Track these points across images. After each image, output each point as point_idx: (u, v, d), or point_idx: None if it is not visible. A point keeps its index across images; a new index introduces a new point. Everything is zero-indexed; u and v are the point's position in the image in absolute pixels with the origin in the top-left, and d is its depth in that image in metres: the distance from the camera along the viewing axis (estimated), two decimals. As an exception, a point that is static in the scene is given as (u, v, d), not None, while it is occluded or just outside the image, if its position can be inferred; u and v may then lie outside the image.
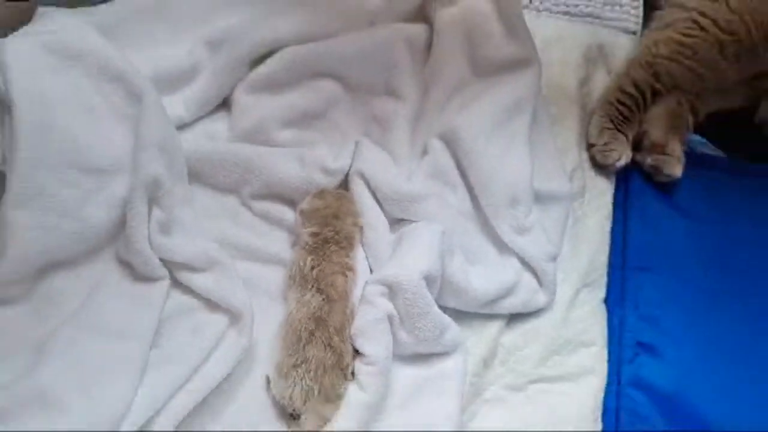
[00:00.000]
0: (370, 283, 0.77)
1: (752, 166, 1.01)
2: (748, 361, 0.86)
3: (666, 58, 0.96)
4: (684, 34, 0.96)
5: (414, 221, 0.83)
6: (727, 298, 0.89)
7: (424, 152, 0.88)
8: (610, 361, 0.84)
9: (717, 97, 1.01)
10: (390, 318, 0.75)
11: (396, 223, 0.84)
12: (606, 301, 0.88)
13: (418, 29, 0.91)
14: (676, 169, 0.94)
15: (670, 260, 0.91)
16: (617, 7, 1.09)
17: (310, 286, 0.76)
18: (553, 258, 0.84)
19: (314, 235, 0.79)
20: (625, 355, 0.84)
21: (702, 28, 0.95)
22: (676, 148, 0.95)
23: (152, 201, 0.76)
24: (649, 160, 0.95)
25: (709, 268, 0.91)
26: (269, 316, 0.78)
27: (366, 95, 0.90)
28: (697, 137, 1.02)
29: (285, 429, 0.74)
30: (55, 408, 0.64)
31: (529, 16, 1.04)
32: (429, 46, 0.92)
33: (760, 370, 0.85)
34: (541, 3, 1.09)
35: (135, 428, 0.67)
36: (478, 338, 0.82)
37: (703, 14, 0.96)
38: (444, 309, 0.80)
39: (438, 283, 0.78)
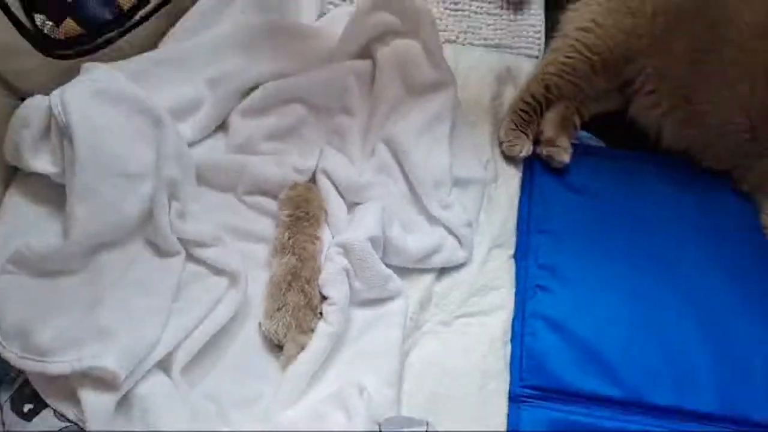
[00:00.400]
0: (331, 246, 0.97)
1: (626, 153, 1.18)
2: (626, 292, 1.02)
3: (554, 75, 1.16)
4: (566, 56, 1.16)
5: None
6: (608, 250, 1.05)
7: (372, 154, 1.07)
8: (516, 299, 1.02)
9: (597, 102, 1.20)
10: (346, 271, 0.94)
11: (352, 205, 1.03)
12: (514, 256, 1.06)
13: (364, 64, 1.11)
14: (565, 157, 1.12)
15: (563, 224, 1.08)
16: (522, 38, 1.29)
17: (287, 252, 0.96)
18: (470, 225, 1.03)
19: (290, 216, 0.99)
20: (528, 295, 1.02)
21: (578, 51, 1.15)
22: (564, 142, 1.13)
23: (171, 197, 0.94)
24: (544, 152, 1.14)
25: (595, 229, 1.08)
26: (260, 279, 0.97)
27: (327, 114, 1.10)
28: (584, 133, 1.22)
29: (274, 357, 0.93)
30: (109, 338, 0.82)
31: (455, 48, 1.27)
32: (373, 76, 1.11)
33: (635, 298, 1.01)
34: (465, 38, 1.29)
35: (163, 354, 0.84)
36: (415, 287, 1.00)
37: (577, 40, 1.16)
38: (388, 265, 0.98)
39: (381, 244, 0.98)
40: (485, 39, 1.29)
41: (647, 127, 1.16)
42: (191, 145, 1.03)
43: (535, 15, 1.32)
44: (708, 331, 0.98)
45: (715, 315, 1.00)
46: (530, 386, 0.94)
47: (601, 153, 1.19)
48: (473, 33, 1.29)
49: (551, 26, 1.27)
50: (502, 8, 1.32)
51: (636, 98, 1.15)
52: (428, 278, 1.01)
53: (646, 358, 0.96)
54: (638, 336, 0.98)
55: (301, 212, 0.98)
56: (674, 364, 0.96)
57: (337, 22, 1.17)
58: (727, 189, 1.13)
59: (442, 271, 1.03)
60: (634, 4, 1.12)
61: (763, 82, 1.05)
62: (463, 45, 1.28)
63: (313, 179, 1.05)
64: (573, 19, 1.19)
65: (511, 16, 1.31)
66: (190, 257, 0.95)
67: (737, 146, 1.09)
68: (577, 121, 1.18)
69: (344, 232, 0.97)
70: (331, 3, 1.29)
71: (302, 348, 0.89)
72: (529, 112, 1.15)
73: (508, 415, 0.92)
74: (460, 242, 1.02)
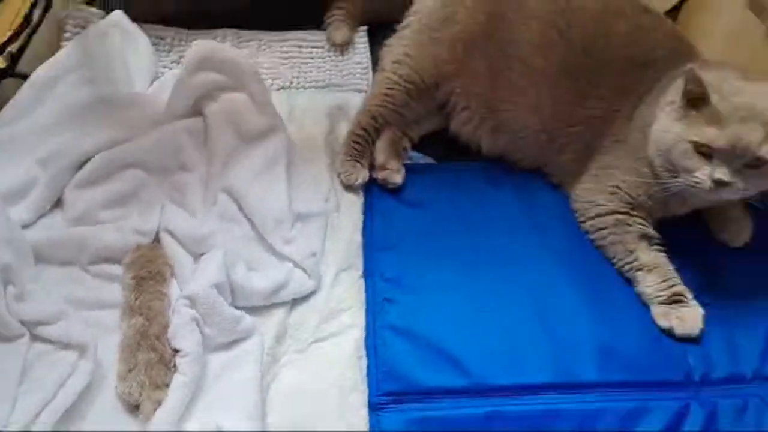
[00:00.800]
0: (177, 299, 0.93)
1: (453, 165, 1.21)
2: (465, 289, 1.03)
3: (378, 106, 1.18)
4: (386, 88, 1.19)
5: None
6: (446, 255, 1.07)
7: (215, 203, 1.05)
8: (367, 315, 1.01)
9: (421, 125, 1.23)
10: (195, 320, 0.90)
11: (198, 257, 1.00)
12: (363, 276, 1.05)
13: (195, 121, 1.10)
14: (398, 178, 1.14)
15: (403, 239, 1.09)
16: (351, 76, 1.32)
17: (135, 313, 0.92)
18: (314, 255, 1.02)
19: (134, 277, 0.95)
20: (377, 309, 1.01)
21: (395, 83, 1.18)
22: (395, 164, 1.15)
23: (6, 281, 0.88)
24: (379, 176, 1.15)
25: (432, 238, 1.09)
26: (112, 345, 0.91)
27: (165, 174, 1.07)
28: (415, 153, 1.23)
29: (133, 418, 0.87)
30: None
31: (289, 93, 1.28)
32: (205, 131, 1.09)
33: (473, 294, 1.02)
34: (297, 82, 1.30)
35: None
36: (269, 322, 0.97)
37: (394, 73, 1.19)
38: (240, 307, 0.96)
39: (227, 288, 0.95)
40: (316, 81, 1.31)
41: (468, 140, 1.20)
42: (27, 225, 0.98)
43: (361, 53, 1.35)
44: (540, 311, 1.01)
45: (544, 296, 1.03)
46: (386, 393, 0.93)
47: (431, 169, 1.21)
48: (305, 77, 1.30)
49: (376, 62, 1.29)
50: (329, 51, 1.34)
51: (453, 116, 1.19)
52: (281, 312, 0.98)
53: (487, 345, 0.97)
54: (478, 326, 0.99)
55: (145, 272, 0.94)
56: (512, 345, 0.97)
57: (168, 86, 1.14)
58: (542, 184, 1.17)
59: (294, 302, 1.01)
60: (437, 35, 1.16)
61: (545, 90, 1.11)
62: (297, 89, 1.29)
63: (157, 238, 1.02)
64: (388, 53, 1.22)
65: (339, 57, 1.34)
66: (36, 337, 0.88)
67: (539, 146, 1.14)
68: (407, 144, 1.21)
69: (189, 283, 0.94)
70: (165, 67, 1.28)
71: (159, 404, 0.84)
72: (360, 143, 1.16)
73: (369, 424, 0.91)
74: (307, 273, 1.01)
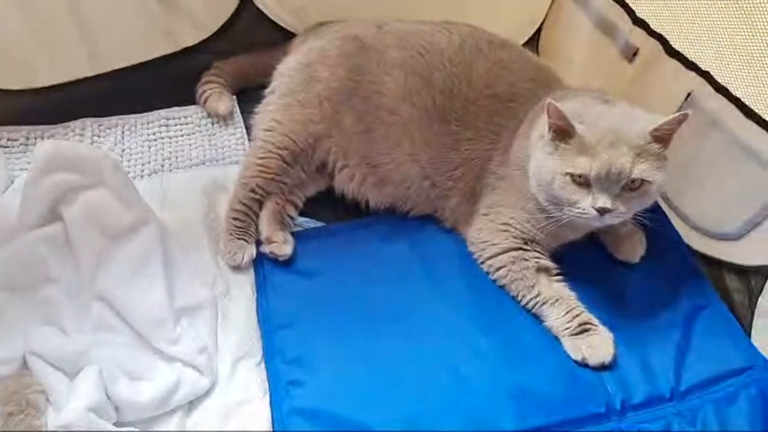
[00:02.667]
0: (50, 430, 0.89)
1: (344, 226, 1.23)
2: (368, 356, 1.04)
3: (254, 177, 1.19)
4: (259, 157, 1.20)
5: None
6: (346, 324, 1.08)
7: (89, 312, 1.02)
8: (273, 402, 1.00)
9: (304, 188, 1.25)
10: (75, 451, 0.88)
11: (75, 375, 0.96)
12: (263, 360, 1.04)
13: (55, 227, 1.06)
14: (286, 249, 1.15)
15: (301, 313, 1.09)
16: (227, 148, 1.34)
17: (5, 456, 0.88)
18: (204, 351, 1.00)
19: (1, 414, 0.90)
20: (282, 395, 1.00)
21: (268, 150, 1.20)
22: (281, 235, 1.16)
23: None
24: (267, 250, 1.15)
25: (330, 308, 1.10)
26: None
27: (27, 290, 1.03)
28: (302, 218, 1.25)
29: None
30: None
31: (162, 177, 1.27)
32: (67, 237, 1.05)
33: (377, 358, 1.03)
34: (170, 164, 1.31)
35: None
36: (164, 432, 0.96)
37: (265, 141, 1.21)
38: (130, 423, 0.94)
39: (110, 406, 0.91)
40: (190, 159, 1.31)
41: (354, 197, 1.22)
42: None
43: (234, 123, 1.37)
44: (450, 363, 1.03)
45: (452, 346, 1.05)
46: (302, 488, 0.93)
47: (321, 233, 1.23)
48: (176, 157, 1.31)
49: (248, 128, 1.32)
50: (199, 126, 1.35)
51: (335, 176, 1.22)
52: (176, 419, 0.96)
53: (401, 410, 0.98)
54: (390, 393, 1.00)
55: (12, 407, 0.90)
56: (427, 405, 0.98)
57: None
58: (435, 229, 1.21)
59: (191, 405, 0.99)
60: (302, 96, 1.20)
61: (418, 138, 1.15)
62: (170, 171, 1.29)
63: (25, 364, 0.97)
64: (258, 122, 1.24)
65: (211, 130, 1.36)
66: None
67: (425, 194, 1.18)
68: (292, 211, 1.22)
69: (63, 409, 0.90)
70: (23, 169, 1.25)
71: None
72: (242, 219, 1.17)
73: None
74: (199, 371, 0.99)
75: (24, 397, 0.91)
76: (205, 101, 1.38)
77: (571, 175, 0.98)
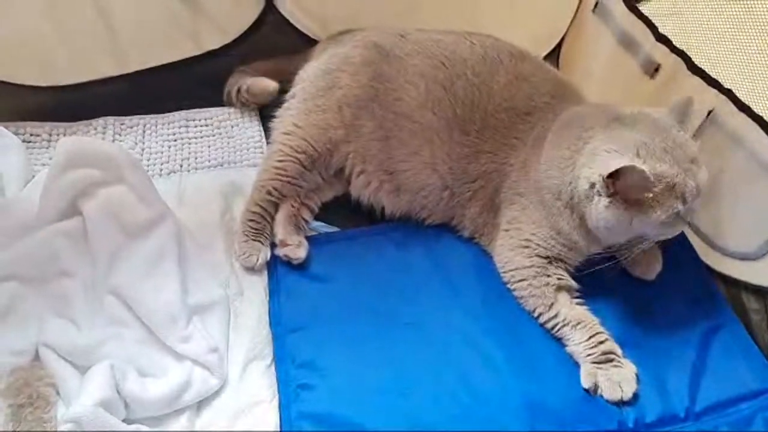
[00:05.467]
0: (60, 423, 0.89)
1: (359, 231, 1.23)
2: (381, 363, 1.03)
3: (271, 180, 1.20)
4: (277, 160, 1.21)
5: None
6: (359, 329, 1.07)
7: (102, 308, 1.02)
8: (282, 405, 0.99)
9: (320, 193, 1.25)
10: (84, 445, 0.87)
11: (86, 369, 0.95)
12: (274, 363, 1.04)
13: (74, 222, 1.07)
14: (301, 253, 1.15)
15: (314, 317, 1.09)
16: (244, 151, 1.34)
17: (13, 448, 0.88)
18: (215, 350, 1.00)
19: (11, 406, 0.90)
20: (291, 398, 1.00)
21: (286, 154, 1.20)
22: (296, 239, 1.16)
23: None
24: (281, 253, 1.15)
25: (343, 313, 1.10)
26: None
27: (44, 283, 1.03)
28: (318, 223, 1.25)
29: None
30: None
31: (181, 177, 1.28)
32: (85, 231, 1.06)
33: (391, 366, 1.02)
34: (188, 164, 1.31)
35: None
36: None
37: (284, 144, 1.21)
38: (138, 420, 0.93)
39: (119, 402, 0.91)
40: (208, 160, 1.32)
41: (370, 204, 1.22)
42: None
43: (252, 126, 1.38)
44: (463, 373, 1.02)
45: (466, 356, 1.04)
46: (311, 494, 0.91)
47: (336, 238, 1.23)
48: (195, 158, 1.32)
49: (267, 132, 1.32)
50: (219, 128, 1.36)
51: (351, 181, 1.22)
52: (185, 418, 0.96)
53: (413, 418, 0.97)
54: (402, 400, 0.99)
55: (23, 398, 0.90)
56: (440, 414, 0.98)
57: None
58: (452, 238, 1.20)
59: (200, 405, 0.98)
60: (322, 101, 1.20)
61: (439, 147, 1.15)
62: (188, 171, 1.30)
63: (37, 356, 0.97)
64: (277, 125, 1.25)
65: (230, 133, 1.36)
66: None
67: (443, 203, 1.18)
68: (307, 215, 1.22)
69: (72, 403, 0.90)
70: (44, 165, 1.26)
71: None
72: (257, 221, 1.17)
73: None
74: (209, 371, 0.99)
75: (35, 389, 0.91)
76: (247, 89, 1.36)
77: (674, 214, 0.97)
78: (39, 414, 0.89)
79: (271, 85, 1.35)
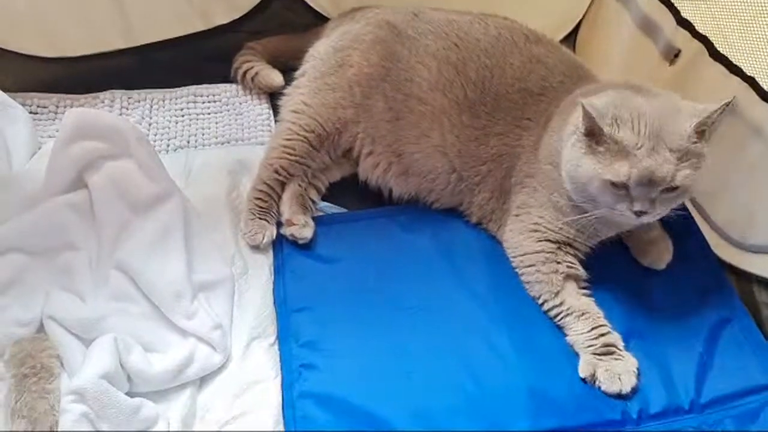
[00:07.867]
0: (63, 395, 0.90)
1: (366, 213, 1.23)
2: (385, 345, 1.04)
3: (279, 158, 1.20)
4: (285, 139, 1.21)
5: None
6: (363, 311, 1.08)
7: (106, 282, 1.03)
8: (284, 385, 1.00)
9: (328, 173, 1.26)
10: (86, 415, 0.87)
11: (91, 342, 0.97)
12: (277, 342, 1.05)
13: (80, 195, 1.08)
14: (307, 233, 1.15)
15: (318, 298, 1.10)
16: (252, 129, 1.35)
17: (17, 416, 0.88)
18: (219, 327, 1.01)
19: (15, 376, 0.92)
20: (294, 378, 1.01)
21: (295, 132, 1.21)
22: (303, 218, 1.16)
23: None
24: (287, 232, 1.16)
25: (347, 294, 1.10)
26: None
27: (50, 255, 1.04)
28: (324, 203, 1.25)
29: None
30: None
31: (187, 153, 1.28)
32: (91, 204, 1.07)
33: (395, 349, 1.03)
34: (196, 140, 1.32)
35: None
36: (175, 405, 0.95)
37: (293, 123, 1.22)
38: (141, 394, 0.94)
39: (122, 375, 0.92)
40: (215, 137, 1.32)
41: (378, 185, 1.23)
42: None
43: (261, 104, 1.38)
44: (466, 360, 1.03)
45: (469, 343, 1.05)
46: (311, 471, 0.93)
47: (342, 219, 1.23)
48: (202, 134, 1.32)
49: (275, 110, 1.32)
50: (227, 105, 1.36)
51: (359, 162, 1.22)
52: (188, 393, 0.97)
53: (415, 404, 0.98)
54: (404, 384, 1.00)
55: (26, 369, 0.91)
56: (441, 401, 0.98)
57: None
58: (459, 224, 1.20)
59: (203, 381, 1.00)
60: (333, 80, 1.20)
61: (448, 129, 1.15)
62: (195, 147, 1.30)
63: (42, 327, 0.99)
64: (286, 103, 1.25)
65: (238, 110, 1.37)
66: None
67: (452, 187, 1.18)
68: (314, 195, 1.23)
69: (75, 375, 0.91)
70: (51, 137, 1.27)
71: None
72: (264, 199, 1.18)
73: None
74: (213, 347, 1.00)
75: (39, 360, 0.92)
76: (252, 78, 1.38)
77: (610, 182, 0.96)
78: (42, 385, 0.91)
79: (277, 79, 1.36)
